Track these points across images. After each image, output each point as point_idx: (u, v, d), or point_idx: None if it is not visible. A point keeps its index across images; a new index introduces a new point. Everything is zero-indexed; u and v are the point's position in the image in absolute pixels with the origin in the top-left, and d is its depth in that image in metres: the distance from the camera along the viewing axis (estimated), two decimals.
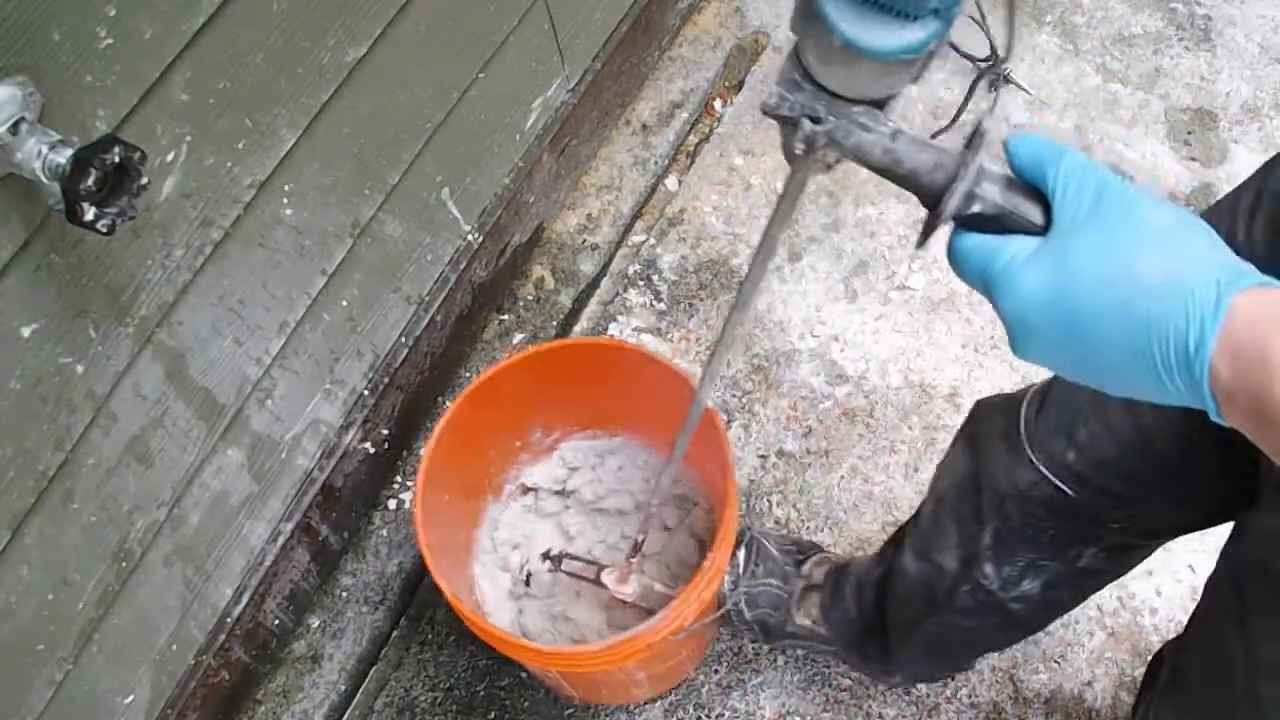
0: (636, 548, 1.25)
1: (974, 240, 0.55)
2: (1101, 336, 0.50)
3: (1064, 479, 0.92)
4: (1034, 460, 0.94)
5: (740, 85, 2.06)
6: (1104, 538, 0.98)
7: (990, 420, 1.02)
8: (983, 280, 0.55)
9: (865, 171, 0.57)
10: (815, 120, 0.55)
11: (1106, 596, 1.51)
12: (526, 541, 1.51)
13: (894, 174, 0.56)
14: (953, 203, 0.55)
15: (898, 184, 0.57)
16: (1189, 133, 1.97)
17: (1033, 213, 0.54)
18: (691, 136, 2.00)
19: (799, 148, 0.56)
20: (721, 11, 2.11)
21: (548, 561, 1.39)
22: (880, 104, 0.56)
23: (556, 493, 1.53)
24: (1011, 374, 1.72)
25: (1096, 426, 0.89)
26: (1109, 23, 2.12)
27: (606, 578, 1.33)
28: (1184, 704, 0.95)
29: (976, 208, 0.55)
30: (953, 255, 0.57)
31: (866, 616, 1.30)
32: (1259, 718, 0.78)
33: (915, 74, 0.53)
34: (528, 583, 1.48)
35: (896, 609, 1.23)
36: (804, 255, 1.85)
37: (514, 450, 1.49)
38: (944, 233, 0.59)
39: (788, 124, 0.56)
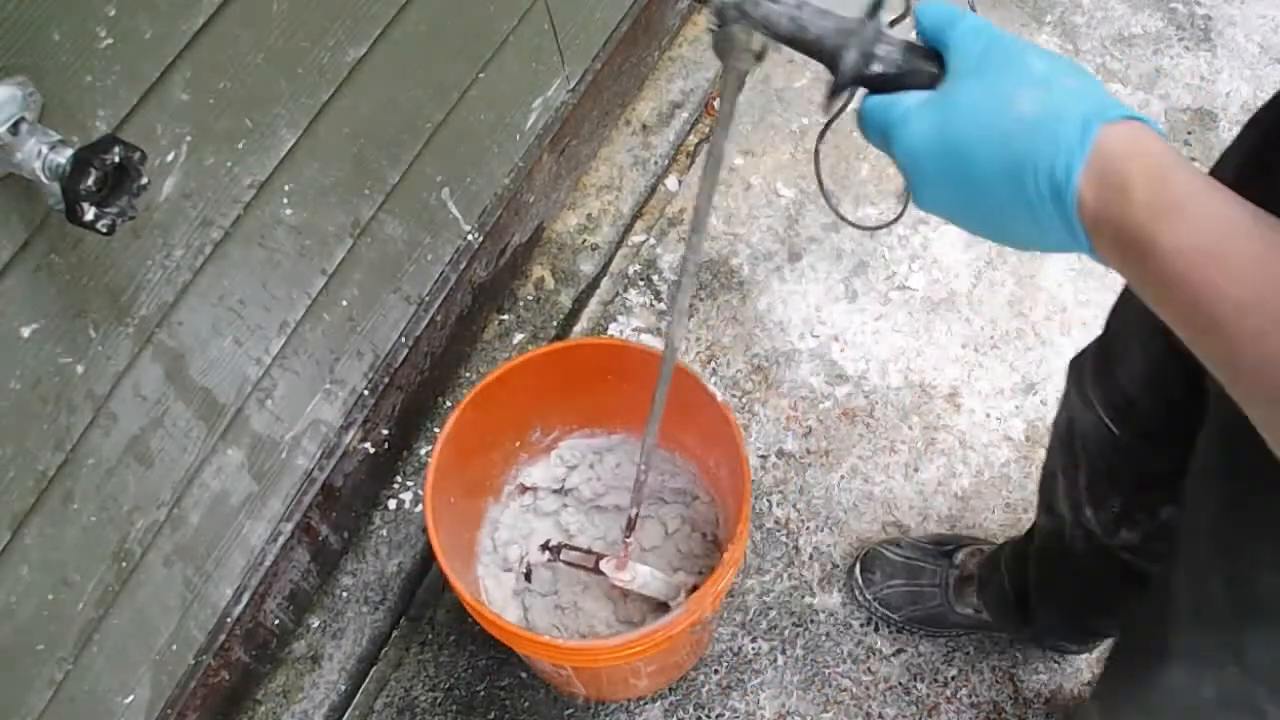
0: (631, 524, 1.25)
1: (876, 100, 0.58)
2: (983, 174, 0.52)
3: (1110, 417, 0.98)
4: (1094, 401, 0.99)
5: (741, 85, 2.06)
6: (1161, 485, 1.01)
7: (1074, 370, 1.07)
8: (882, 133, 0.57)
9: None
10: None
11: None
12: (525, 541, 1.51)
13: (801, 41, 0.60)
14: (849, 58, 0.57)
15: (805, 52, 0.60)
16: (1189, 133, 1.97)
17: (932, 72, 0.57)
18: (691, 136, 2.00)
19: (713, 22, 0.61)
20: None
21: (546, 553, 1.40)
22: None
23: (555, 491, 1.53)
24: (1011, 374, 1.72)
25: (1128, 365, 0.94)
26: (1109, 23, 2.13)
27: (605, 566, 1.33)
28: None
29: (878, 68, 0.58)
30: (860, 117, 0.59)
31: (1015, 585, 1.35)
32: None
33: None
34: (528, 577, 1.48)
35: (1033, 566, 1.29)
36: (804, 255, 1.85)
37: (513, 450, 1.49)
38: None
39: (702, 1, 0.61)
